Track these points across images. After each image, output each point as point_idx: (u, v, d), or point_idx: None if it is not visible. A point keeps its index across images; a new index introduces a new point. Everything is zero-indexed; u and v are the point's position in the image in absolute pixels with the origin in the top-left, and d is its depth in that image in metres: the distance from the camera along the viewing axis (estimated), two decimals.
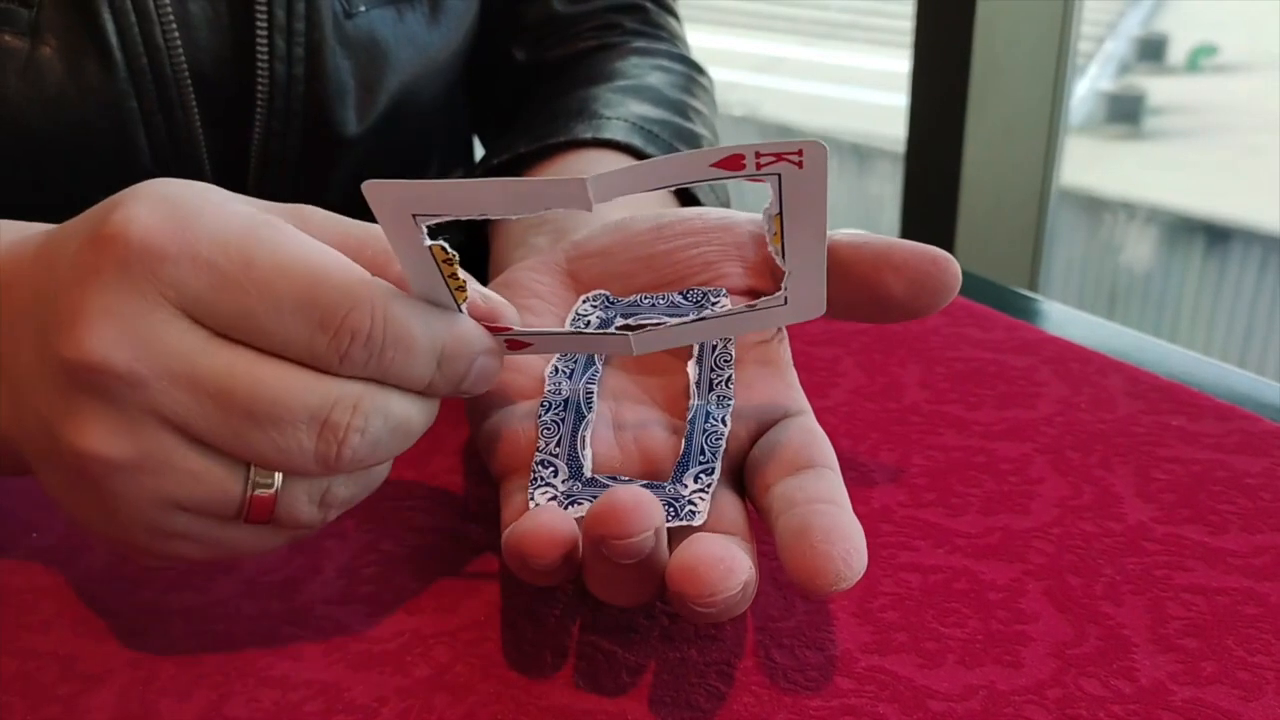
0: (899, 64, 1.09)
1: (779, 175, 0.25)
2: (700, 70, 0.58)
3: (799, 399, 0.32)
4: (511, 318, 0.30)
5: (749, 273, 0.33)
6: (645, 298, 0.33)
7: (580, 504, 0.28)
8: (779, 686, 0.28)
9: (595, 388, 0.32)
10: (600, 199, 0.25)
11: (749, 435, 0.31)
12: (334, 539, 0.34)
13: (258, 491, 0.27)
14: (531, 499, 0.29)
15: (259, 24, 0.46)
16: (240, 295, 0.25)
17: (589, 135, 0.46)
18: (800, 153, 0.24)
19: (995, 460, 0.37)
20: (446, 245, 0.26)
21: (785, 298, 0.29)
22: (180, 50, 0.44)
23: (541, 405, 0.31)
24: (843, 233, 0.32)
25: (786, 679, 0.28)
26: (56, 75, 0.43)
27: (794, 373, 0.33)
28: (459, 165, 0.62)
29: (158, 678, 0.29)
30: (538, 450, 0.30)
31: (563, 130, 0.47)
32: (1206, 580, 0.31)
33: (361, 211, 0.27)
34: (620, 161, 0.46)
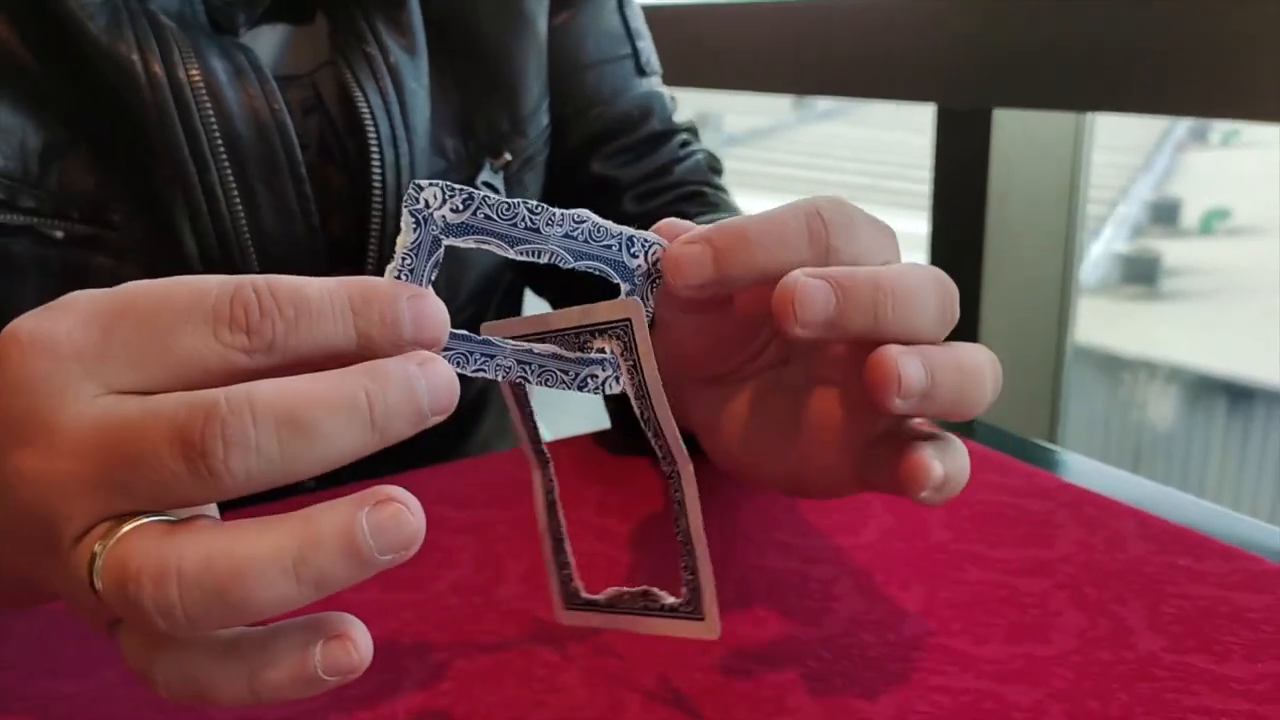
0: (918, 225, 1.16)
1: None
2: None
3: None
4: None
5: None
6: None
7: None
8: None
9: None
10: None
11: None
12: (412, 657, 0.37)
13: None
14: None
15: (374, 201, 0.52)
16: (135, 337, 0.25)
17: None
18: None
19: (1017, 594, 0.40)
20: None
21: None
22: (253, 255, 0.49)
23: None
24: None
25: None
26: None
27: None
28: None
29: None
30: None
31: None
32: (1213, 703, 0.34)
33: None
34: None
